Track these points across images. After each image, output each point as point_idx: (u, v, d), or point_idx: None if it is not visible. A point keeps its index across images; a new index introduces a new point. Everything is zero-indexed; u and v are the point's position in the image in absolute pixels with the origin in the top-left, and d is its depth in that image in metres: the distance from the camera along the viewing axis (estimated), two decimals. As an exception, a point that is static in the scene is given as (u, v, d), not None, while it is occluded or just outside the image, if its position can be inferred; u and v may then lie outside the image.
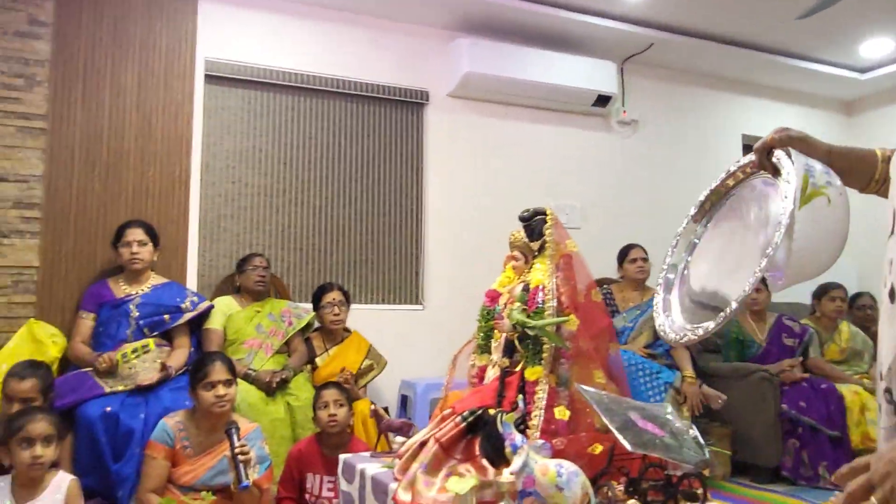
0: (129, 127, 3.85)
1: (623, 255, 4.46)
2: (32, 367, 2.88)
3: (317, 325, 3.98)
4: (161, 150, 3.91)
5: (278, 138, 4.29)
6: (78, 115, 3.75)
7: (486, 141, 4.82)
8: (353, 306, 4.06)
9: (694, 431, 1.86)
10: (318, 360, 3.87)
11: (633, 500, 1.97)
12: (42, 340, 3.40)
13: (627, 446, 1.68)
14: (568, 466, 1.75)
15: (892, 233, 1.07)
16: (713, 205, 1.66)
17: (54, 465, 2.50)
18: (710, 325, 1.40)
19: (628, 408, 1.85)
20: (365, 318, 4.18)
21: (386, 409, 3.40)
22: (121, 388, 3.21)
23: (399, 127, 4.62)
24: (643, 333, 4.23)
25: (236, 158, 4.18)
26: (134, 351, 3.34)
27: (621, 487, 1.97)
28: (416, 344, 4.38)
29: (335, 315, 3.88)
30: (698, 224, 1.68)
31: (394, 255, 4.54)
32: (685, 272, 1.67)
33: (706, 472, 1.91)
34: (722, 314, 1.36)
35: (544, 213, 2.35)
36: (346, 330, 4.00)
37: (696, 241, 1.66)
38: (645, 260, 4.35)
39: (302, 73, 4.32)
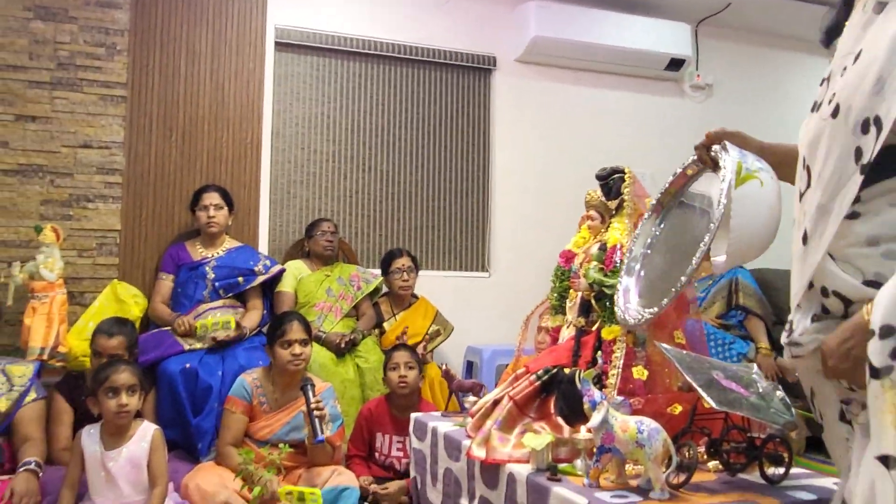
0: (204, 94, 3.93)
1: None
2: (119, 324, 3.00)
3: (385, 290, 4.02)
4: (233, 117, 3.99)
5: (346, 105, 4.32)
6: (155, 82, 3.85)
7: (554, 107, 4.74)
8: (419, 272, 4.08)
9: (781, 393, 1.80)
10: (385, 324, 3.91)
11: (714, 462, 1.93)
12: (125, 300, 3.54)
13: (712, 404, 1.63)
14: (649, 423, 1.72)
15: (807, 188, 1.23)
16: (665, 204, 1.96)
17: (139, 416, 2.60)
18: (665, 300, 1.75)
19: (711, 367, 1.80)
20: (431, 285, 4.20)
21: (453, 374, 3.42)
22: (199, 346, 3.32)
23: (466, 93, 4.58)
24: (716, 303, 4.12)
25: (305, 125, 4.23)
26: (214, 324, 3.42)
27: (702, 448, 1.93)
28: (482, 311, 4.39)
29: (403, 281, 3.92)
30: (655, 222, 2.00)
31: (460, 222, 4.53)
32: (642, 267, 2.01)
33: (793, 435, 1.85)
34: (673, 289, 1.69)
35: (622, 172, 2.30)
36: (414, 296, 4.03)
37: (653, 237, 1.99)
38: (717, 228, 4.22)
39: (370, 40, 4.32)
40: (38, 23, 3.63)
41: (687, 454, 1.75)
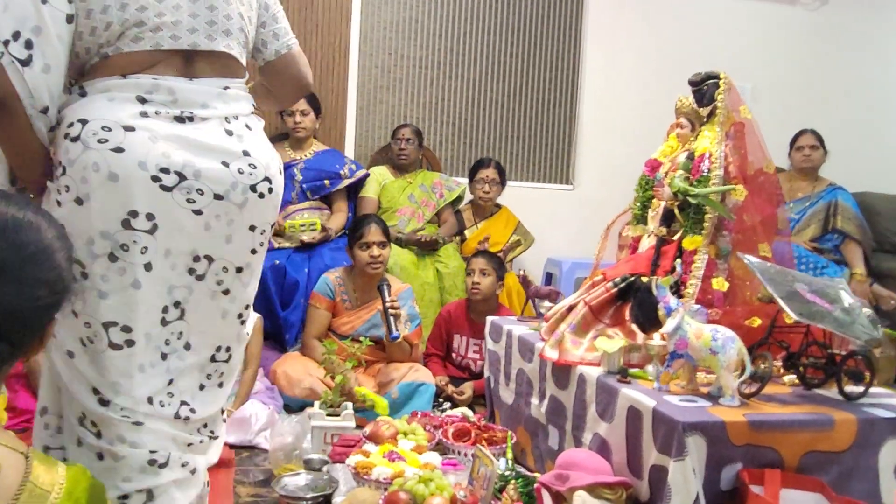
0: (293, -3, 3.95)
1: (792, 141, 4.11)
2: None
3: (469, 198, 4.04)
4: (322, 20, 3.99)
5: (435, 9, 4.24)
6: (247, -16, 3.88)
7: (650, 14, 4.49)
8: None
9: (869, 310, 1.73)
10: (466, 232, 3.96)
11: (790, 376, 1.91)
12: (219, 199, 3.70)
13: (792, 315, 1.60)
14: (724, 331, 1.70)
15: None
16: None
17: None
18: None
19: (795, 280, 1.75)
20: (514, 195, 4.18)
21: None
22: (287, 244, 3.47)
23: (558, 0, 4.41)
24: (811, 226, 3.94)
25: (393, 29, 4.19)
26: (301, 225, 3.54)
27: (779, 362, 1.90)
28: (564, 223, 4.36)
29: (484, 192, 3.92)
30: None
31: (546, 133, 4.45)
32: None
33: (877, 353, 1.79)
34: None
35: (717, 77, 2.19)
36: (497, 205, 4.04)
37: None
38: (814, 148, 3.98)
39: (460, -60, 4.18)
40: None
41: (762, 365, 1.73)
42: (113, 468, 1.33)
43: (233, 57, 1.40)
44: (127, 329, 1.31)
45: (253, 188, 1.37)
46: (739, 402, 1.68)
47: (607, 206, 3.75)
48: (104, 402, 1.32)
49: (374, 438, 2.23)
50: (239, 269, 1.42)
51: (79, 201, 1.27)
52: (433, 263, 3.65)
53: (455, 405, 2.95)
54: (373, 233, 3.02)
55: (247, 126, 1.40)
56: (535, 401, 2.28)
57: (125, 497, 1.33)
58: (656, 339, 1.91)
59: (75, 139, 1.26)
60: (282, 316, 3.26)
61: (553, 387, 2.15)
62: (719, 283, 2.00)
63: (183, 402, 1.39)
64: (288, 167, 3.70)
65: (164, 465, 1.36)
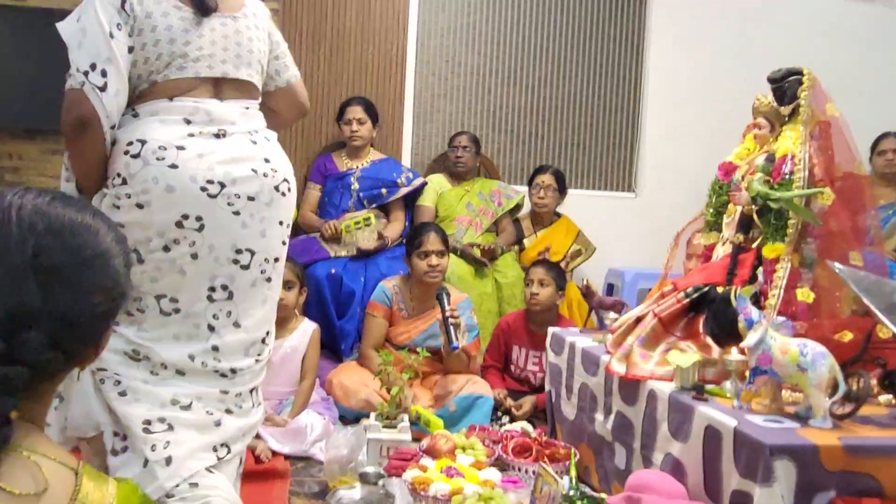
0: (350, 5, 3.93)
1: (873, 145, 3.88)
2: None
3: (529, 207, 3.95)
4: (379, 28, 3.97)
5: (492, 15, 4.17)
6: (305, -6, 3.90)
7: (716, 14, 4.32)
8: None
9: (979, 324, 1.56)
10: (525, 241, 3.86)
11: (887, 396, 1.75)
12: (277, 207, 3.71)
13: (894, 329, 1.45)
14: (813, 346, 1.56)
15: None
16: None
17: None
18: None
19: (894, 290, 1.59)
20: (575, 203, 4.06)
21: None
22: (343, 253, 3.43)
23: (618, 3, 4.28)
24: (895, 236, 3.70)
25: (450, 36, 4.14)
26: (356, 223, 3.52)
27: (874, 380, 1.74)
28: (626, 232, 4.20)
29: (539, 198, 3.81)
30: None
31: (607, 140, 4.32)
32: None
33: None
34: None
35: (800, 73, 2.04)
36: (557, 214, 3.93)
37: None
38: (898, 152, 3.74)
39: (519, -56, 4.11)
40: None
41: (857, 384, 1.59)
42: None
43: (252, 83, 1.68)
44: (174, 300, 1.56)
45: (276, 188, 1.62)
46: (832, 424, 1.53)
47: (671, 214, 3.60)
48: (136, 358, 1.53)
49: (432, 453, 2.15)
50: (276, 259, 1.66)
51: (140, 206, 1.52)
52: (492, 274, 3.56)
53: (513, 419, 2.85)
54: (432, 241, 2.96)
55: (266, 138, 1.66)
56: (599, 417, 2.17)
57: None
58: (734, 354, 1.78)
59: (136, 156, 1.51)
60: (338, 325, 3.22)
61: (620, 402, 2.03)
62: (804, 294, 1.85)
63: (230, 367, 1.60)
64: (345, 176, 3.68)
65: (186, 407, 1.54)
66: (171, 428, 1.51)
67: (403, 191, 3.68)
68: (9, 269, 0.79)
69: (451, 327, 2.70)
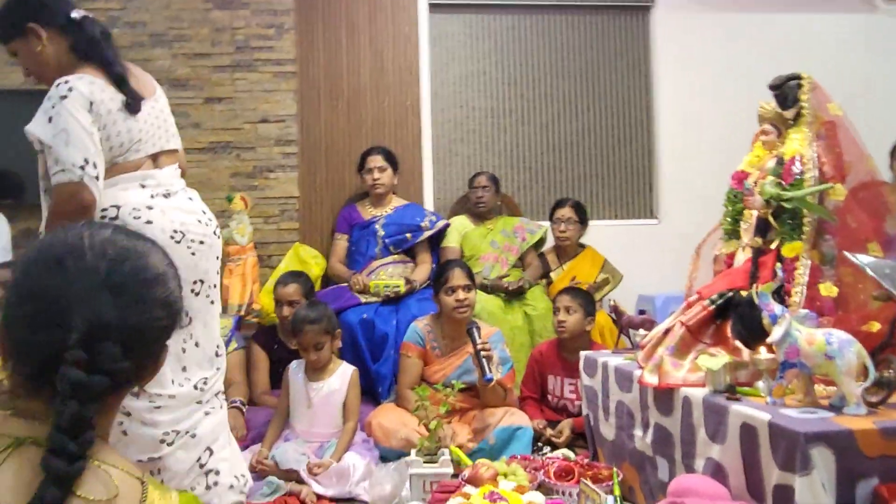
0: (364, 62, 4.11)
1: (892, 151, 3.87)
2: (293, 275, 3.37)
3: (553, 241, 3.99)
4: (393, 82, 4.13)
5: (501, 60, 4.31)
6: (321, 56, 4.08)
7: (722, 36, 4.41)
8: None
9: None
10: (552, 274, 3.89)
11: (921, 381, 1.73)
12: (307, 261, 3.81)
13: (916, 308, 1.46)
14: (838, 334, 1.57)
15: None
16: None
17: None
18: None
19: (914, 274, 1.61)
20: (598, 234, 4.09)
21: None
22: (374, 299, 3.50)
23: (623, 34, 4.40)
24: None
25: (462, 83, 4.28)
26: (386, 286, 3.57)
27: (905, 366, 1.73)
28: (653, 259, 4.20)
29: (561, 231, 3.86)
30: None
31: (625, 169, 4.38)
32: None
33: None
34: None
35: (798, 78, 2.10)
36: (581, 245, 3.96)
37: None
38: (919, 156, 3.73)
39: (520, -9, 4.28)
40: (217, 11, 3.98)
41: (887, 370, 1.59)
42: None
43: (177, 150, 2.05)
44: None
45: (214, 233, 2.00)
46: (867, 410, 1.53)
47: (696, 235, 3.61)
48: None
49: (474, 481, 2.15)
50: (215, 286, 2.01)
51: None
52: (521, 307, 3.59)
53: (555, 448, 2.84)
54: (457, 276, 3.02)
55: (191, 195, 2.00)
56: (638, 432, 2.16)
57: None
58: (763, 353, 1.78)
59: (114, 218, 1.80)
60: (373, 369, 3.27)
61: (656, 414, 2.04)
62: (827, 289, 1.86)
63: (200, 379, 1.91)
64: (370, 224, 3.78)
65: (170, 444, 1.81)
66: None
67: (427, 234, 3.76)
68: (87, 288, 0.88)
69: (484, 360, 2.73)
